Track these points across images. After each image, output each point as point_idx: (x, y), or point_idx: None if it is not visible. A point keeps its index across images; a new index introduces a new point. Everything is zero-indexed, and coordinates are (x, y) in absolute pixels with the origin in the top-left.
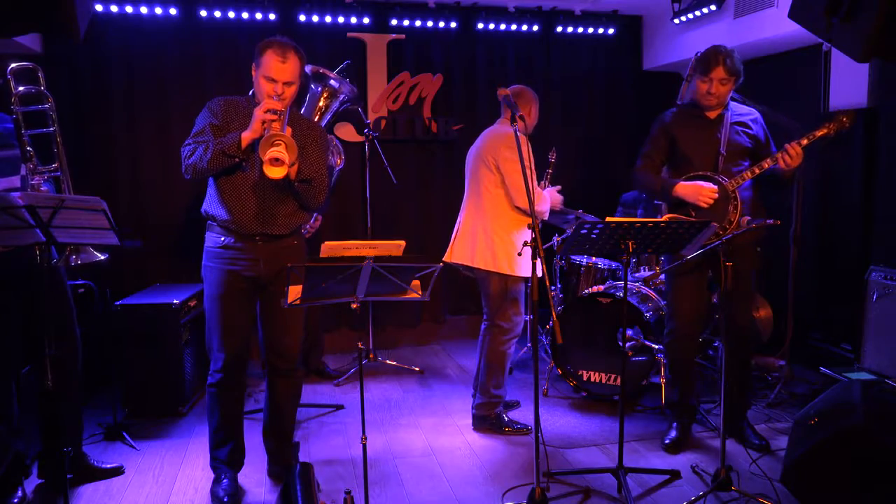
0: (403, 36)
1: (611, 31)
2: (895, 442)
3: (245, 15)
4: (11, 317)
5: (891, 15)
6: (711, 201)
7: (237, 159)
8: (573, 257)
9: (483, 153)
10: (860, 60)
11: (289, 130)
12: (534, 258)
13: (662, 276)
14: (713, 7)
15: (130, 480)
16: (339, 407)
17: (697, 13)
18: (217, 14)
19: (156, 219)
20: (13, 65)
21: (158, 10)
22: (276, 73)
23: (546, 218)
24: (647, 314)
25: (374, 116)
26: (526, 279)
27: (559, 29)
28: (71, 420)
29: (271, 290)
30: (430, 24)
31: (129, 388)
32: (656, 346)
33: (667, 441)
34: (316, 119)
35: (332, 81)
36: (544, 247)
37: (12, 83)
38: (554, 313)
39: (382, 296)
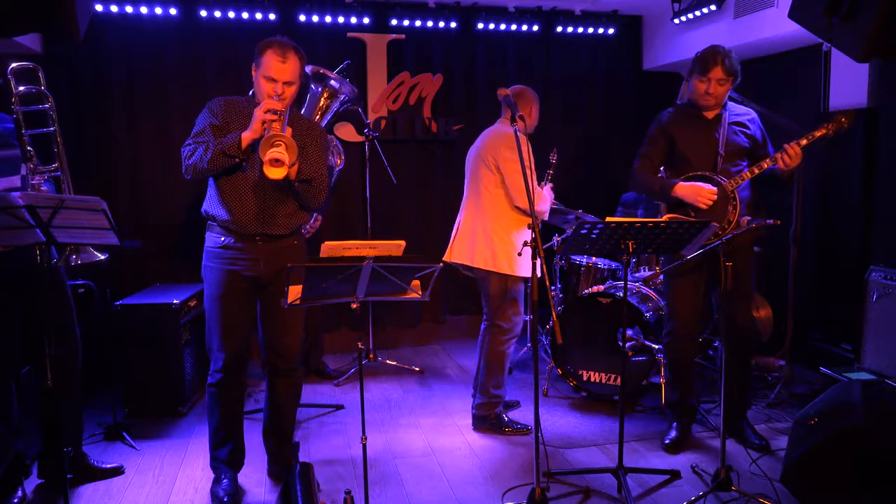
0: (403, 36)
1: (611, 31)
2: (895, 442)
3: (245, 15)
4: (11, 317)
5: (891, 15)
6: (711, 202)
7: (237, 159)
8: (573, 257)
9: (483, 153)
10: (860, 60)
11: (289, 131)
12: (534, 258)
13: (662, 276)
14: (713, 7)
15: (130, 480)
16: (339, 407)
17: (697, 13)
18: (217, 14)
19: (156, 219)
20: (14, 65)
21: (158, 10)
22: (277, 73)
23: (546, 218)
24: (647, 314)
25: (374, 116)
26: (525, 279)
27: (559, 29)
28: (71, 420)
29: (271, 290)
30: (430, 24)
31: (129, 388)
32: (656, 346)
33: (667, 441)
34: (316, 119)
35: (332, 82)
36: (544, 247)
37: (13, 83)
38: (554, 313)
39: (382, 296)
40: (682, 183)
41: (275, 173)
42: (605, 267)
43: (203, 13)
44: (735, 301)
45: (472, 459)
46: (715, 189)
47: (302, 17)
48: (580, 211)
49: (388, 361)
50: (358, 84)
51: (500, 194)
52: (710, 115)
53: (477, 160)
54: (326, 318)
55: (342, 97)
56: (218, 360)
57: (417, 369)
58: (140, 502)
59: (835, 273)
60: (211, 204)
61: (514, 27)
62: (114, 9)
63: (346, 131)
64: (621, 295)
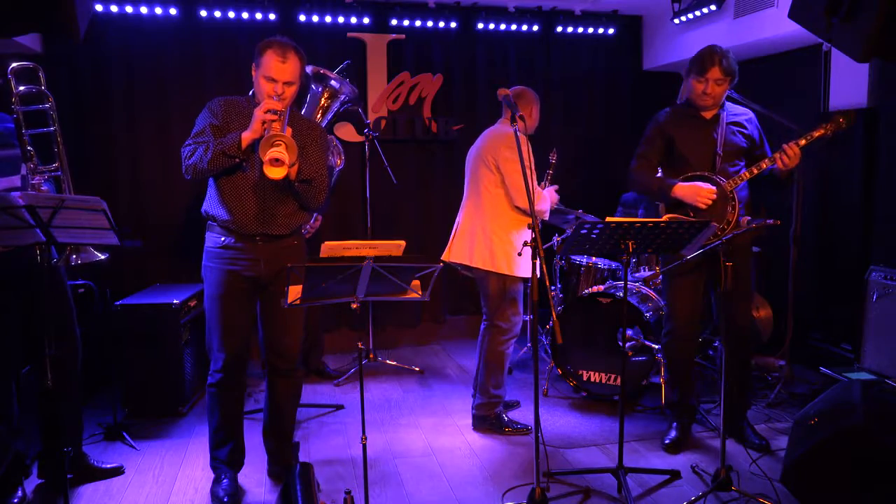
0: (403, 36)
1: (611, 31)
2: (895, 442)
3: (245, 15)
4: (11, 317)
5: (891, 15)
6: (710, 202)
7: (237, 160)
8: (573, 257)
9: (483, 153)
10: (860, 60)
11: (289, 131)
12: (534, 258)
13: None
14: (713, 7)
15: (130, 480)
16: (339, 407)
17: (697, 13)
18: (217, 14)
19: (156, 219)
20: (14, 64)
21: (158, 10)
22: (277, 73)
23: (546, 218)
24: (647, 314)
25: (374, 116)
26: (524, 279)
27: (559, 29)
28: (71, 420)
29: (271, 290)
30: (430, 24)
31: (129, 388)
32: (656, 346)
33: (667, 441)
34: (317, 119)
35: (332, 82)
36: (544, 247)
37: (13, 83)
38: (554, 313)
39: (382, 296)
40: (681, 183)
41: (275, 173)
42: (605, 267)
43: (203, 13)
44: (735, 301)
45: (472, 459)
46: (714, 189)
47: (302, 17)
48: (580, 211)
49: (388, 361)
50: (358, 84)
51: (500, 194)
52: (707, 115)
53: (477, 160)
54: (326, 318)
55: (342, 97)
56: (218, 360)
57: (417, 369)
58: (140, 502)
59: (835, 273)
60: (211, 204)
61: (514, 27)
62: (114, 9)
63: (346, 131)
64: (621, 295)
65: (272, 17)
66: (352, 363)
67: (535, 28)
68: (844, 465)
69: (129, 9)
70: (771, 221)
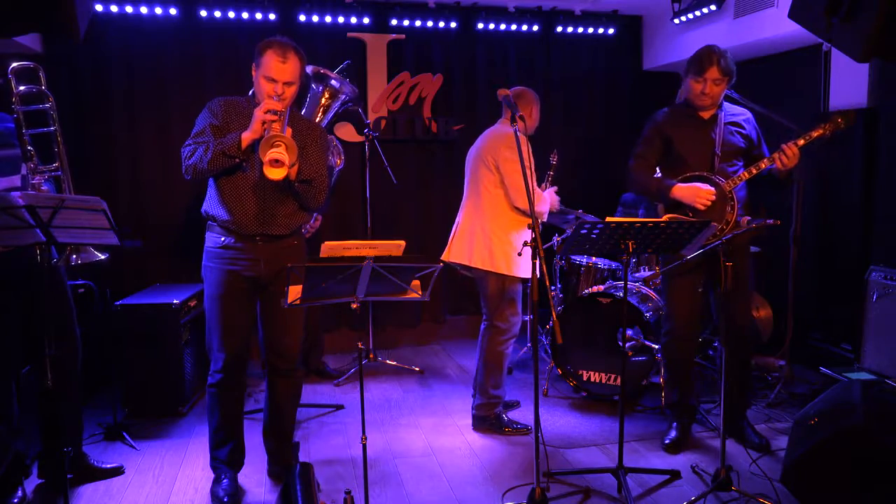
0: (403, 36)
1: (611, 31)
2: (895, 442)
3: (245, 15)
4: (11, 317)
5: (891, 15)
6: (709, 203)
7: (237, 160)
8: (573, 257)
9: (483, 153)
10: (860, 60)
11: (289, 131)
12: (534, 258)
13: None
14: (713, 7)
15: (130, 480)
16: (339, 407)
17: (697, 13)
18: (217, 14)
19: (156, 219)
20: (14, 64)
21: (158, 10)
22: (277, 73)
23: (545, 219)
24: (647, 314)
25: (374, 116)
26: (523, 280)
27: (559, 29)
28: (71, 420)
29: (271, 290)
30: (430, 24)
31: (129, 388)
32: (656, 346)
33: (667, 441)
34: (317, 119)
35: (333, 82)
36: (544, 247)
37: (13, 83)
38: (554, 313)
39: (382, 296)
40: (680, 184)
41: (275, 174)
42: (605, 267)
43: (203, 13)
44: (734, 301)
45: (472, 459)
46: (713, 190)
47: (302, 17)
48: (580, 211)
49: (388, 361)
50: (358, 84)
51: (500, 194)
52: (706, 115)
53: (477, 160)
54: (326, 318)
55: (343, 97)
56: (218, 361)
57: (417, 369)
58: (140, 502)
59: (835, 273)
60: (211, 204)
61: (514, 27)
62: (114, 9)
63: (346, 131)
64: (621, 295)
65: (272, 17)
66: (352, 363)
67: (535, 28)
68: (844, 465)
69: (129, 9)
70: (771, 221)
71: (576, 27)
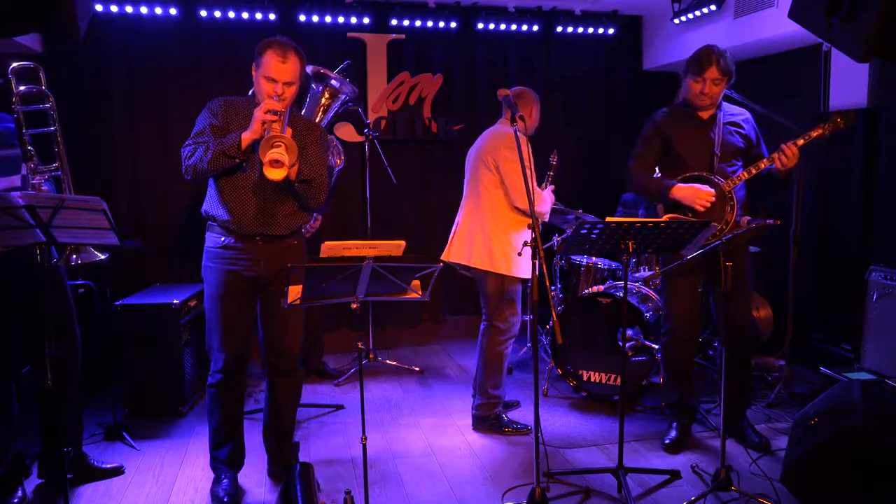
0: (403, 36)
1: (611, 31)
2: (895, 442)
3: (245, 15)
4: (11, 317)
5: (891, 15)
6: (709, 204)
7: (237, 160)
8: (573, 257)
9: (483, 153)
10: (860, 60)
11: (289, 131)
12: (534, 258)
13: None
14: (713, 7)
15: (130, 480)
16: (339, 407)
17: (697, 13)
18: (217, 14)
19: (156, 219)
20: (14, 64)
21: (158, 10)
22: (277, 73)
23: (546, 219)
24: (647, 314)
25: (374, 116)
26: (523, 280)
27: (559, 29)
28: (71, 420)
29: (271, 290)
30: (430, 24)
31: (129, 388)
32: (656, 346)
33: (667, 441)
34: (317, 119)
35: (333, 81)
36: (544, 247)
37: (13, 82)
38: (554, 313)
39: (382, 296)
40: (679, 185)
41: (275, 174)
42: (605, 267)
43: (203, 13)
44: (734, 301)
45: (471, 459)
46: (713, 191)
47: (302, 17)
48: (580, 211)
49: (388, 361)
50: (358, 84)
51: (500, 194)
52: (705, 115)
53: (477, 160)
54: (326, 318)
55: (343, 97)
56: (218, 361)
57: (417, 369)
58: (140, 502)
59: (835, 273)
60: (211, 204)
61: (514, 27)
62: (114, 9)
63: (346, 131)
64: (621, 295)
65: (272, 17)
66: (352, 363)
67: (535, 28)
68: (844, 465)
69: (129, 9)
70: (771, 221)
71: (576, 27)
